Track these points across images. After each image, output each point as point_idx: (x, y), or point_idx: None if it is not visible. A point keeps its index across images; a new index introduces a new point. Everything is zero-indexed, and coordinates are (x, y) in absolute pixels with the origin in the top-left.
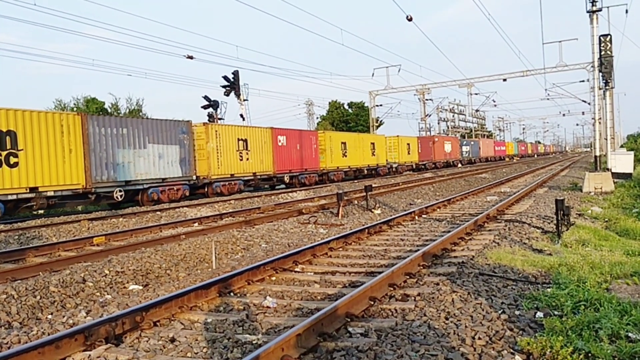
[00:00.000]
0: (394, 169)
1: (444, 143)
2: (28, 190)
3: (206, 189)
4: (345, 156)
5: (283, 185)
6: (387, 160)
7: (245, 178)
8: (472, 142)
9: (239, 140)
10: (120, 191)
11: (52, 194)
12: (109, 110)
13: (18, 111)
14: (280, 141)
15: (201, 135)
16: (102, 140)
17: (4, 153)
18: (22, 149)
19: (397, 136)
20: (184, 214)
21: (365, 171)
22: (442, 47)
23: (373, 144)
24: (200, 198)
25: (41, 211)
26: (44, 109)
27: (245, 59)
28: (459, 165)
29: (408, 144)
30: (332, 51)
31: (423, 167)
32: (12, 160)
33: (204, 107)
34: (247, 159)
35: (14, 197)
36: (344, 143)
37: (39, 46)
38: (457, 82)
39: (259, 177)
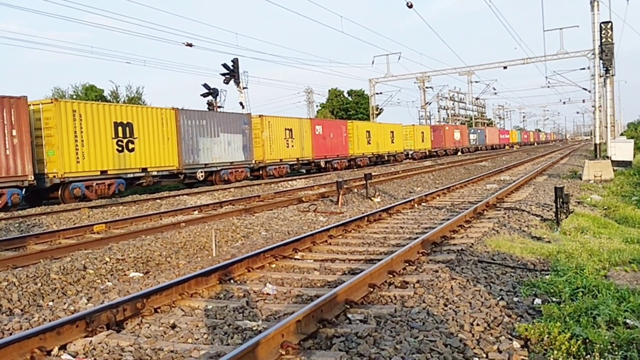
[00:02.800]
0: (410, 156)
1: (453, 131)
2: (140, 170)
3: (261, 172)
4: (370, 144)
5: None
6: (404, 147)
7: (291, 163)
8: (479, 131)
9: (285, 129)
10: (201, 172)
11: (155, 173)
12: (108, 98)
13: (134, 107)
14: (317, 130)
15: (257, 126)
16: (189, 130)
17: (125, 140)
18: (137, 137)
19: (413, 125)
20: (184, 202)
21: (386, 157)
22: (443, 35)
23: (392, 132)
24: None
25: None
26: (151, 105)
27: (244, 46)
28: (459, 153)
29: (422, 132)
30: (332, 39)
31: (435, 153)
32: (131, 146)
33: (204, 95)
34: (292, 146)
35: (131, 175)
36: (368, 132)
37: (38, 34)
38: (458, 69)
39: (301, 162)
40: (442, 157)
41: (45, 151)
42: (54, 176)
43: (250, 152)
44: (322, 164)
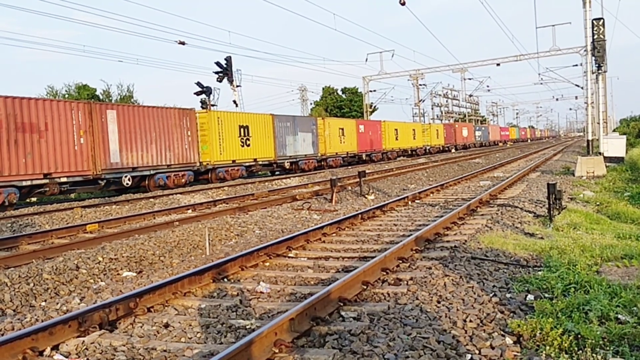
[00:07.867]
0: (427, 150)
1: (462, 129)
2: (253, 161)
3: (322, 163)
4: (397, 140)
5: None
6: (422, 143)
7: (343, 156)
8: (483, 128)
9: (339, 128)
10: (288, 162)
11: (261, 162)
12: (101, 97)
13: (250, 114)
14: (360, 129)
15: (320, 126)
16: (280, 130)
17: (244, 138)
18: (251, 136)
19: (429, 124)
20: (178, 201)
21: (409, 151)
22: (436, 32)
23: (414, 130)
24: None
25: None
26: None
27: (237, 44)
28: (453, 150)
29: (437, 130)
30: (325, 36)
31: (447, 148)
32: (248, 142)
33: (197, 94)
34: (344, 142)
35: (248, 164)
36: (396, 130)
37: (28, 32)
38: (451, 67)
39: (349, 155)
40: (452, 152)
41: (200, 146)
42: (207, 164)
43: (317, 147)
44: (364, 157)
